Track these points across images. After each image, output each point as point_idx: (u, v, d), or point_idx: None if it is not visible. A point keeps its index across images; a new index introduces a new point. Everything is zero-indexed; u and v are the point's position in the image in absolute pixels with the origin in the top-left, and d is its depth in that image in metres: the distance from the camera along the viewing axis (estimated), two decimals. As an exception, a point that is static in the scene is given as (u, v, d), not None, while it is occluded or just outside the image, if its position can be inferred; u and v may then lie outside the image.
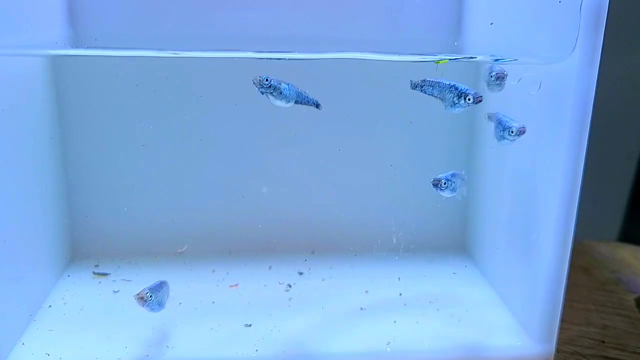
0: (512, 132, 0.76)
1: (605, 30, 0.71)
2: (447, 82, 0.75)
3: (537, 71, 0.80)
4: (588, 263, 1.25)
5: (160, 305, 0.81)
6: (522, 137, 0.77)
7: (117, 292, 1.00)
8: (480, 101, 0.73)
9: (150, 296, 0.79)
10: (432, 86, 0.77)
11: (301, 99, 0.77)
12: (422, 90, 0.77)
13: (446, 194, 0.81)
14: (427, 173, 1.12)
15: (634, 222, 1.59)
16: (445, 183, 0.80)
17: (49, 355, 0.81)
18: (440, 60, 0.78)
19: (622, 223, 1.61)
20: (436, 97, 0.77)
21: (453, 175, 0.81)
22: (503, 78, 0.78)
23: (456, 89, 0.74)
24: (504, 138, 0.77)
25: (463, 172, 0.84)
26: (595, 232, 1.49)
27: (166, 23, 0.99)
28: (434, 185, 0.80)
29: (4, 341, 0.80)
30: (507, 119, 0.78)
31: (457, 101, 0.74)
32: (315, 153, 1.09)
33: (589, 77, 0.73)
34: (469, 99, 0.73)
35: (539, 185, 0.84)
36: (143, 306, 0.78)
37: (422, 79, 0.77)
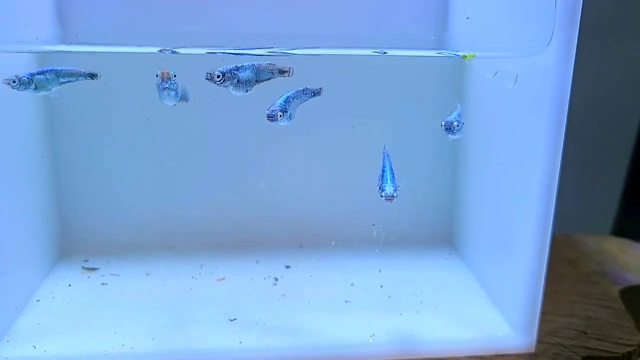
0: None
1: (594, 23, 0.72)
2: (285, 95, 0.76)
3: (514, 64, 0.81)
4: (574, 255, 1.25)
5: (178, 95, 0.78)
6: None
7: (105, 284, 1.01)
8: (274, 120, 0.74)
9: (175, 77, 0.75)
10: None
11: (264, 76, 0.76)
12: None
13: (456, 136, 0.80)
14: (413, 168, 1.13)
15: (627, 217, 1.59)
16: (457, 125, 0.78)
17: (35, 347, 0.82)
18: (467, 55, 0.79)
19: (615, 217, 1.61)
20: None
21: (459, 115, 0.80)
22: (452, 129, 0.78)
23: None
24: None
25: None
26: (588, 227, 1.50)
27: (156, 21, 1.00)
28: (446, 128, 0.79)
29: (-10, 334, 0.81)
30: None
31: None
32: (302, 149, 1.10)
33: (565, 70, 0.74)
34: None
35: (519, 178, 0.85)
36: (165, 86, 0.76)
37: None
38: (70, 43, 1.02)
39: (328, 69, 1.01)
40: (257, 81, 0.76)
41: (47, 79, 0.75)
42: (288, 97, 0.77)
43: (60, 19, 1.00)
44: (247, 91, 0.75)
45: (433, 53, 0.85)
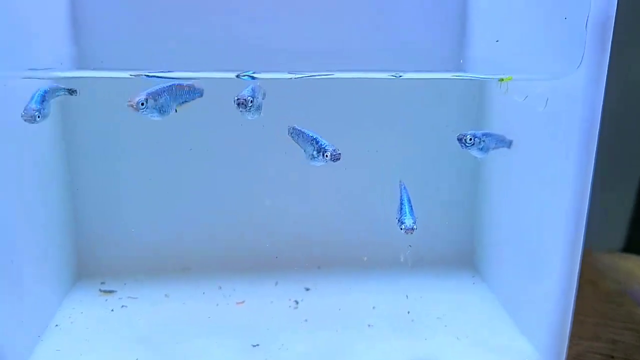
0: (327, 155, 0.74)
1: (612, 43, 0.71)
2: (311, 135, 0.75)
3: (543, 87, 0.80)
4: (593, 274, 1.24)
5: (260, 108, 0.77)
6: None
7: (124, 307, 1.00)
8: (339, 159, 0.73)
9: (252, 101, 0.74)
10: (297, 135, 0.77)
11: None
12: (291, 136, 0.78)
13: (475, 152, 0.80)
14: (434, 188, 1.13)
15: (638, 232, 1.58)
16: (471, 140, 0.78)
17: (56, 376, 0.81)
18: (504, 78, 0.78)
19: (626, 232, 1.60)
20: (300, 146, 0.77)
21: (485, 134, 0.80)
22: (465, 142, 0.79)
23: (317, 142, 0.74)
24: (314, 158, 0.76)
25: (502, 134, 0.83)
26: (598, 242, 1.49)
27: (169, 40, 1.00)
28: (458, 140, 0.79)
29: (11, 361, 0.79)
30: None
31: (316, 155, 0.74)
32: (321, 169, 1.09)
33: (596, 92, 0.73)
34: (327, 155, 0.73)
35: (547, 200, 0.84)
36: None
37: (292, 126, 0.78)
38: (86, 66, 1.01)
39: (349, 89, 1.02)
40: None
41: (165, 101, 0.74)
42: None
43: (76, 38, 0.99)
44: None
45: (468, 75, 0.84)
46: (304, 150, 0.76)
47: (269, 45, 0.98)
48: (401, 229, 0.77)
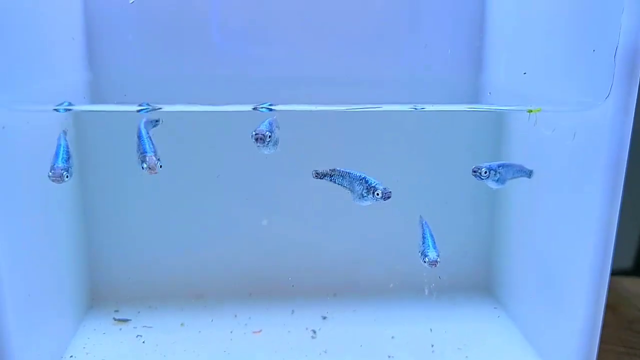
0: (378, 194, 0.73)
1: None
2: (357, 174, 0.74)
3: (571, 119, 0.79)
4: (614, 300, 1.22)
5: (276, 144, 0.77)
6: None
7: (139, 336, 0.99)
8: (390, 197, 0.72)
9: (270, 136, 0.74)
10: (342, 176, 0.76)
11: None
12: (331, 180, 0.77)
13: (491, 184, 0.79)
14: (451, 214, 1.11)
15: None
16: (486, 173, 0.78)
17: (73, 411, 0.79)
18: (533, 109, 0.77)
19: (635, 254, 1.59)
20: (345, 187, 0.76)
21: (501, 165, 0.79)
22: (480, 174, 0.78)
23: (366, 181, 0.73)
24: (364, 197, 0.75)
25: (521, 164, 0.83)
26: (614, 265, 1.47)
27: (183, 66, 1.00)
28: (473, 172, 0.79)
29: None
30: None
31: (365, 194, 0.73)
32: (335, 196, 1.08)
33: (624, 123, 0.72)
34: (378, 194, 0.72)
35: (572, 230, 0.83)
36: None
37: (332, 168, 0.76)
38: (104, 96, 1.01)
39: (367, 120, 1.01)
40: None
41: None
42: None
43: (91, 65, 0.99)
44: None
45: (493, 107, 0.83)
46: (351, 191, 0.75)
47: (283, 77, 0.98)
48: (424, 262, 0.76)
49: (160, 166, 0.73)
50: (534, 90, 0.85)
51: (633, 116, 0.71)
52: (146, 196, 1.07)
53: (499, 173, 0.79)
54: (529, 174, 0.85)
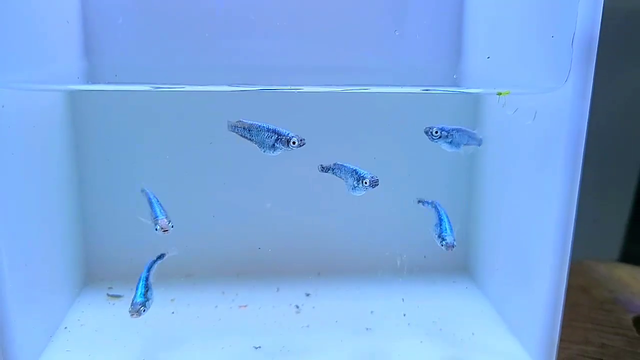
0: (366, 182, 0.78)
1: (600, 56, 0.75)
2: (351, 167, 0.80)
3: (534, 101, 0.84)
4: (587, 283, 1.27)
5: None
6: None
7: (131, 312, 1.04)
8: (377, 184, 0.78)
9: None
10: (339, 169, 0.82)
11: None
12: (333, 173, 0.83)
13: (444, 146, 0.83)
14: (429, 196, 1.16)
15: (633, 242, 1.61)
16: (437, 133, 0.82)
17: (67, 375, 0.84)
18: (502, 92, 0.82)
19: (622, 243, 1.63)
20: (342, 178, 0.82)
21: (455, 129, 0.83)
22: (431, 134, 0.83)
23: (356, 173, 0.79)
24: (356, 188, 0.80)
25: (475, 131, 0.86)
26: (595, 252, 1.52)
27: (179, 52, 1.04)
28: (425, 133, 0.83)
29: (24, 361, 0.83)
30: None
31: (356, 185, 0.79)
32: (319, 178, 1.13)
33: (582, 106, 0.77)
34: (366, 182, 0.78)
35: (537, 210, 0.88)
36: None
37: (334, 162, 0.82)
38: (98, 80, 1.06)
39: (346, 101, 1.06)
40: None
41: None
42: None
43: (87, 53, 1.03)
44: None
45: (475, 90, 0.88)
46: (346, 182, 0.81)
47: (274, 61, 1.02)
48: (441, 245, 0.81)
49: (172, 226, 0.85)
50: (500, 73, 0.90)
51: (590, 98, 0.76)
52: (140, 178, 1.11)
53: (451, 135, 0.82)
54: (479, 142, 0.87)
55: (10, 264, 0.78)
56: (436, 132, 0.82)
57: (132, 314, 0.80)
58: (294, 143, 0.77)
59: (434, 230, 0.84)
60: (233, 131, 0.81)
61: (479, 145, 0.87)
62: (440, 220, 0.84)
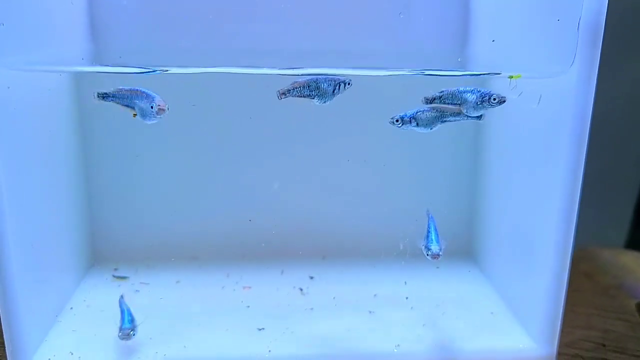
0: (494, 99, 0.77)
1: (606, 41, 0.75)
2: (465, 88, 0.79)
3: (538, 85, 0.84)
4: (591, 269, 1.28)
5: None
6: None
7: (137, 291, 1.05)
8: (504, 102, 0.77)
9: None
10: (452, 95, 0.80)
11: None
12: (441, 102, 0.80)
13: (418, 130, 0.82)
14: (433, 181, 1.16)
15: (639, 229, 1.61)
16: (398, 121, 0.82)
17: (72, 354, 0.85)
18: (513, 75, 0.81)
19: (628, 230, 1.63)
20: (457, 104, 0.80)
21: (422, 111, 0.82)
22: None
23: (478, 91, 0.78)
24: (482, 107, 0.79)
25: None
26: (601, 239, 1.52)
27: (184, 36, 1.04)
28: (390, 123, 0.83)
29: (30, 340, 0.84)
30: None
31: (480, 104, 0.78)
32: (324, 163, 1.13)
33: (587, 90, 0.76)
34: (494, 99, 0.77)
35: (540, 194, 0.88)
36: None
37: (440, 90, 0.80)
38: (103, 63, 1.05)
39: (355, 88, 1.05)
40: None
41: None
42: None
43: (93, 35, 1.03)
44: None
45: (474, 72, 0.87)
46: (462, 105, 0.79)
47: (275, 45, 1.02)
48: (427, 255, 0.83)
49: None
50: (506, 57, 0.90)
51: (595, 82, 0.76)
52: (146, 162, 1.12)
53: (414, 119, 0.81)
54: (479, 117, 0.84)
55: (17, 245, 0.79)
56: (397, 121, 0.82)
57: (123, 339, 0.84)
58: (348, 84, 0.80)
59: (422, 242, 0.86)
60: (288, 96, 0.80)
61: (479, 119, 0.86)
62: (428, 231, 0.86)
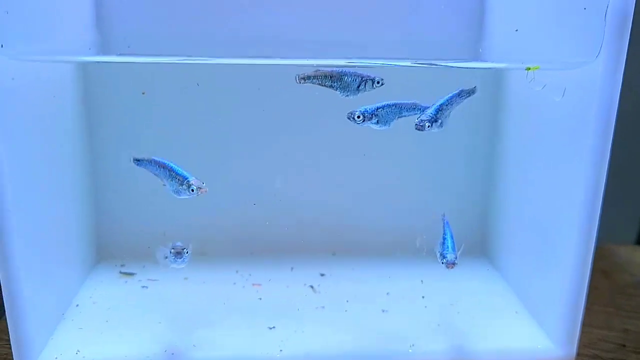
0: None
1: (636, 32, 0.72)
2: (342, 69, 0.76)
3: (561, 77, 0.81)
4: (608, 267, 1.25)
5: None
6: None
7: (144, 287, 1.03)
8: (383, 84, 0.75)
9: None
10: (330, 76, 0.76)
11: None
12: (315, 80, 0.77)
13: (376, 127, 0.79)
14: (448, 176, 1.14)
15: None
16: (359, 117, 0.77)
17: (79, 352, 0.83)
18: (531, 67, 0.78)
19: (639, 227, 1.61)
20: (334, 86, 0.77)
21: (383, 107, 0.78)
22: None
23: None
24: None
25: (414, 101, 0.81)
26: (613, 236, 1.49)
27: (190, 25, 1.01)
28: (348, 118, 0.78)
29: (36, 337, 0.82)
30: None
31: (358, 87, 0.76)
32: (337, 157, 1.11)
33: (614, 82, 0.73)
34: (378, 82, 0.76)
35: (562, 190, 0.85)
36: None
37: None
38: (110, 53, 1.03)
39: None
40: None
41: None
42: (441, 104, 0.79)
43: (99, 25, 1.01)
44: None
45: (490, 64, 0.85)
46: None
47: (287, 35, 1.00)
48: (442, 262, 0.81)
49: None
50: (526, 48, 0.87)
51: (622, 74, 0.73)
52: (153, 155, 1.10)
53: (375, 115, 0.78)
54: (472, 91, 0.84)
55: (22, 241, 0.77)
56: (359, 117, 0.77)
57: None
58: (378, 82, 0.76)
59: (437, 248, 0.83)
60: (307, 82, 0.77)
61: (473, 93, 0.84)
62: (444, 238, 0.84)
